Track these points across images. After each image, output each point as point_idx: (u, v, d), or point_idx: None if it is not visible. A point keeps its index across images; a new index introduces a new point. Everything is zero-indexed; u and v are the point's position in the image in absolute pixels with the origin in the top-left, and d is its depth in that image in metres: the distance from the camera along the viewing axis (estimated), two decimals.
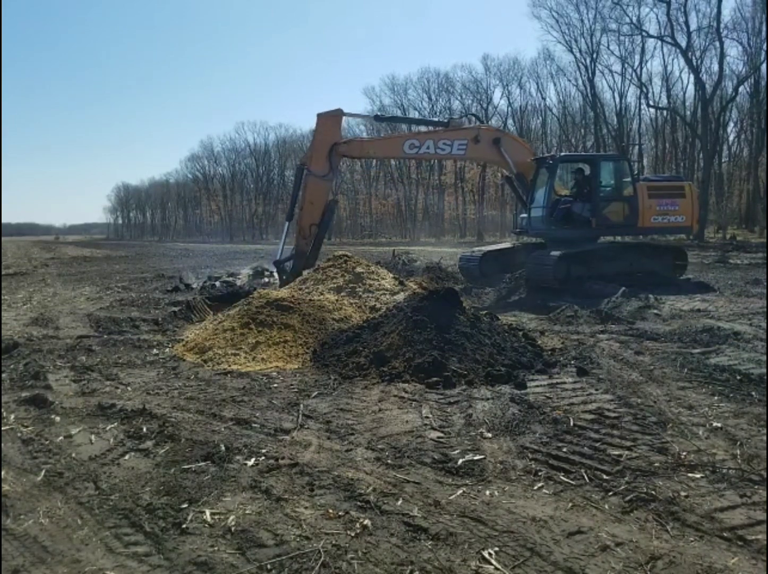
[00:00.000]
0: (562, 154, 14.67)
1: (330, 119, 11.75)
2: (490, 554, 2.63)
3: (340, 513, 3.01)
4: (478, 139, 12.45)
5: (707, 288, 11.97)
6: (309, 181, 11.57)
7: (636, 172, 13.62)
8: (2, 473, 3.55)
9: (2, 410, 4.71)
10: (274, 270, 15.87)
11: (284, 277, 11.38)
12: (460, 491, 3.25)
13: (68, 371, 6.06)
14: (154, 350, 7.13)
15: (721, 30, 35.31)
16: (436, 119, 13.87)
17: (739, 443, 3.84)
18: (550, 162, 12.55)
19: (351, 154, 12.57)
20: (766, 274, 13.49)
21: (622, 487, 3.26)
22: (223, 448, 3.87)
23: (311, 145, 11.96)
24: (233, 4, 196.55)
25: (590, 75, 45.05)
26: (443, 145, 12.30)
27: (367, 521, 2.92)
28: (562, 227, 12.35)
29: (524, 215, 14.40)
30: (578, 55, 44.71)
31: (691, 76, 39.89)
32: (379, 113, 12.78)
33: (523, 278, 12.09)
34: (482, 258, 13.58)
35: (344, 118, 12.36)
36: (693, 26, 36.48)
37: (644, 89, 44.51)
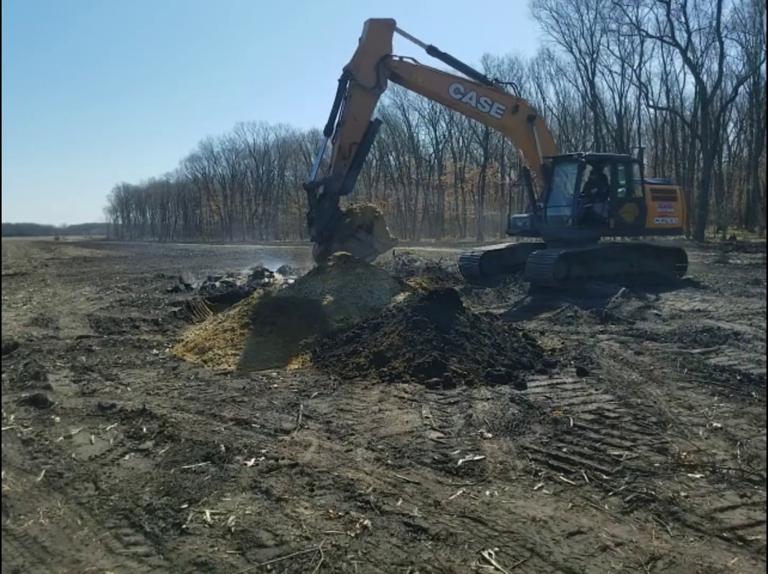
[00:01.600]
0: (588, 153, 14.36)
1: (383, 27, 10.61)
2: (490, 554, 2.63)
3: (340, 513, 3.01)
4: (517, 109, 12.06)
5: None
6: (355, 92, 10.17)
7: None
8: (2, 473, 3.55)
9: (2, 410, 4.71)
10: (274, 270, 15.90)
11: (318, 201, 9.99)
12: (460, 492, 3.25)
13: (68, 371, 6.06)
14: (154, 351, 7.13)
15: (721, 30, 35.35)
16: (482, 74, 12.58)
17: (739, 443, 3.84)
18: (583, 160, 12.58)
19: (400, 74, 11.14)
20: (766, 275, 13.50)
21: (622, 487, 3.26)
22: (223, 448, 3.87)
23: (359, 52, 10.47)
24: (233, 4, 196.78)
25: (590, 75, 45.10)
26: (484, 102, 11.72)
27: (367, 522, 2.92)
28: (585, 228, 12.43)
29: (518, 215, 14.33)
30: (578, 55, 44.78)
31: (691, 76, 39.91)
32: (433, 45, 11.54)
33: (523, 278, 12.11)
34: (482, 258, 13.58)
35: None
36: (693, 26, 36.54)
37: (644, 89, 44.57)
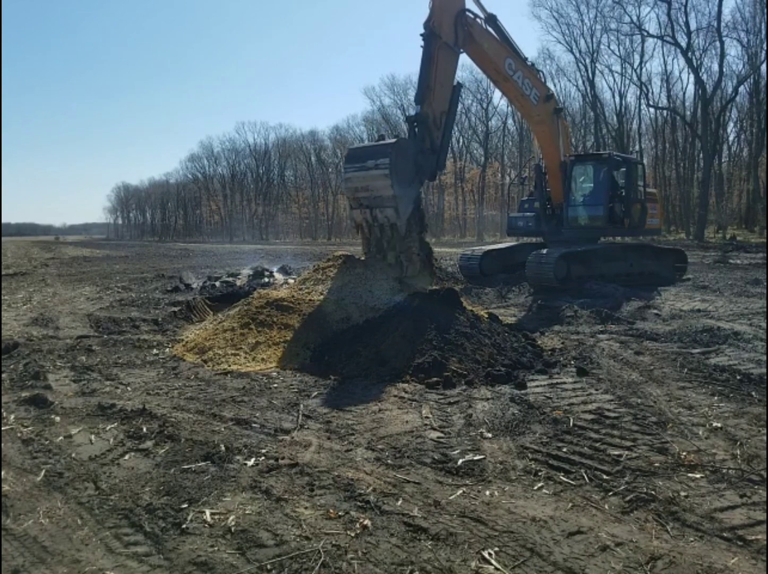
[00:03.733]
0: (615, 152, 14.29)
1: None
2: (490, 554, 2.63)
3: (340, 513, 3.01)
4: (549, 99, 11.95)
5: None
6: (441, 53, 9.16)
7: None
8: (2, 473, 3.55)
9: (2, 410, 4.71)
10: (274, 270, 15.89)
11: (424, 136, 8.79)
12: (460, 491, 3.25)
13: (68, 371, 6.06)
14: (154, 350, 7.12)
15: (722, 30, 35.37)
16: (524, 56, 11.79)
17: (739, 443, 3.84)
18: (619, 159, 12.55)
19: (473, 33, 10.23)
20: (766, 275, 13.50)
21: (622, 487, 3.26)
22: (223, 448, 3.87)
23: (436, 7, 9.36)
24: (233, 3, 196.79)
25: (590, 75, 45.13)
26: (527, 84, 11.43)
27: (367, 521, 2.92)
28: (606, 228, 12.59)
29: (517, 215, 14.31)
30: (578, 55, 44.83)
31: (691, 76, 39.93)
32: (494, 15, 10.59)
33: (524, 279, 12.10)
34: (482, 258, 13.58)
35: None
36: (693, 26, 36.56)
37: (644, 89, 44.59)
